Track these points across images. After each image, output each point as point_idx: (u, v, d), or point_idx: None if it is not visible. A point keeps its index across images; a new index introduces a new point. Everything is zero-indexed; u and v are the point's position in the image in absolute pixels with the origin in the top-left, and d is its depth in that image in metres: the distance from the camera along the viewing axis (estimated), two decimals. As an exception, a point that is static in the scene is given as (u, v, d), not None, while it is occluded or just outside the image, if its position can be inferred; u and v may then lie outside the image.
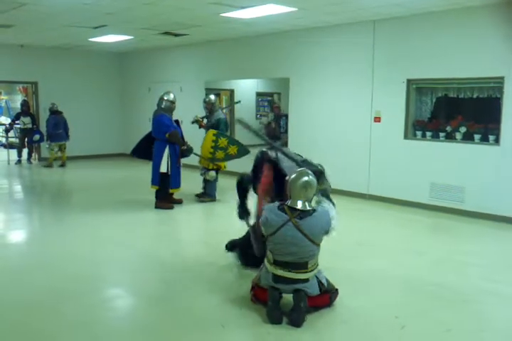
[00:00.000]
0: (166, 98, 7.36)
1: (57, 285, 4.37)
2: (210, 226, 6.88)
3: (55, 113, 11.79)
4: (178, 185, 7.45)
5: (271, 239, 3.71)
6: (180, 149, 7.31)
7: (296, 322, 3.51)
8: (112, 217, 6.95)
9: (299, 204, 3.67)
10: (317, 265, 3.79)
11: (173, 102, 7.41)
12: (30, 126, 12.08)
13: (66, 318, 3.72)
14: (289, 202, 3.71)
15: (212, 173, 7.71)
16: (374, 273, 4.71)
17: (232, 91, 13.59)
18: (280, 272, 3.68)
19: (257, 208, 4.36)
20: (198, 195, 8.03)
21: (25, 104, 12.37)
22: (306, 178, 3.72)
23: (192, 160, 7.99)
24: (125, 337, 3.44)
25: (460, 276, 4.66)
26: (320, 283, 3.75)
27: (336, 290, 3.92)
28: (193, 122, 8.38)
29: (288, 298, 3.71)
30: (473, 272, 4.79)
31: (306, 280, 3.67)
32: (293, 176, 3.77)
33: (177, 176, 7.38)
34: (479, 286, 4.40)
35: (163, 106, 7.33)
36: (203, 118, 8.28)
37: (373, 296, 4.18)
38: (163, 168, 7.20)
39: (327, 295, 3.81)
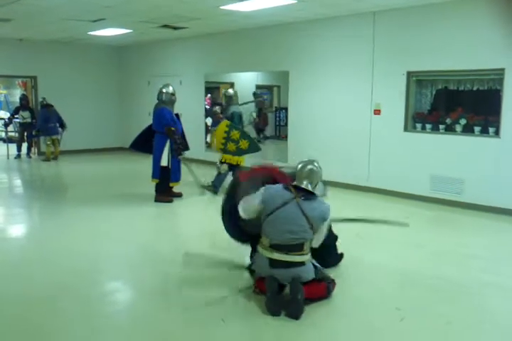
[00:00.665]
0: (165, 90, 7.34)
1: (56, 279, 4.37)
2: (209, 220, 6.83)
3: (45, 106, 11.75)
4: (178, 179, 7.43)
5: (269, 218, 3.76)
6: (174, 145, 7.19)
7: (295, 314, 3.52)
8: (111, 210, 6.94)
9: (304, 184, 3.81)
10: (309, 250, 3.85)
11: (173, 94, 7.38)
12: (29, 120, 12.05)
13: (65, 312, 3.73)
14: (295, 182, 3.85)
15: (225, 166, 7.72)
16: (374, 265, 4.71)
17: (231, 85, 13.55)
18: (276, 255, 3.74)
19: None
20: (203, 186, 7.96)
21: (24, 98, 12.35)
22: (311, 166, 3.89)
23: (194, 154, 7.96)
24: (124, 332, 3.44)
25: (460, 268, 4.66)
26: (315, 267, 3.83)
27: (333, 280, 3.94)
28: (214, 114, 8.42)
29: (286, 289, 3.71)
30: (474, 264, 4.79)
31: (302, 264, 3.75)
32: (302, 163, 3.93)
33: (177, 170, 7.37)
34: (479, 278, 4.40)
35: (163, 99, 7.30)
36: (220, 109, 8.29)
37: (373, 288, 4.19)
38: (164, 161, 7.19)
39: (323, 285, 3.83)
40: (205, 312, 3.67)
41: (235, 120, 7.87)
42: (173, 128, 7.10)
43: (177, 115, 7.53)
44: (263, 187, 3.92)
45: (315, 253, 3.96)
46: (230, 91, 8.29)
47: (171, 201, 7.36)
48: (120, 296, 4.19)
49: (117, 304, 4.01)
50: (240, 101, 8.62)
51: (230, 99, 8.17)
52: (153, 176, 7.35)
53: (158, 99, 7.36)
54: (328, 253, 4.42)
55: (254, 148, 7.66)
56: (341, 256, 4.62)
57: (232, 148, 7.56)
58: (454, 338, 3.33)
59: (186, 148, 7.57)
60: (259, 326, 3.51)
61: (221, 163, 7.74)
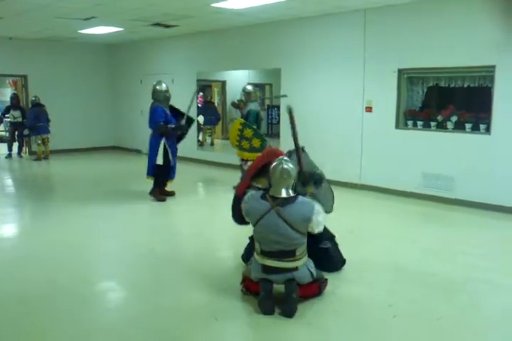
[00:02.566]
0: (158, 88, 7.32)
1: (50, 277, 4.36)
2: (202, 219, 6.85)
3: (36, 105, 11.68)
4: (173, 176, 7.47)
5: (256, 229, 3.73)
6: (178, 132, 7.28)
7: (289, 312, 3.52)
8: (104, 209, 6.93)
9: (282, 193, 3.68)
10: (306, 253, 3.79)
11: (166, 91, 7.35)
12: (20, 119, 11.98)
13: (57, 311, 3.71)
14: (270, 191, 3.74)
15: (250, 163, 7.73)
16: (366, 261, 4.73)
17: (223, 83, 13.54)
18: (269, 262, 3.69)
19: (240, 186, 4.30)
20: (235, 187, 7.93)
21: (15, 97, 12.28)
22: (283, 166, 3.74)
23: (185, 152, 7.96)
24: (117, 330, 3.43)
25: (452, 265, 4.68)
26: (310, 271, 3.76)
27: (326, 279, 3.94)
28: (232, 105, 8.44)
29: (279, 288, 3.71)
30: (465, 260, 4.81)
31: (296, 269, 3.68)
32: (273, 164, 3.80)
33: (173, 167, 7.41)
34: (471, 275, 4.42)
35: (157, 97, 7.28)
36: (238, 101, 8.31)
37: (365, 285, 4.20)
38: (160, 160, 7.20)
39: (316, 285, 3.82)
40: (198, 311, 3.68)
41: (250, 118, 7.88)
42: (162, 124, 7.10)
43: (175, 109, 7.49)
44: (246, 196, 3.86)
45: (317, 258, 3.93)
46: (249, 87, 8.25)
47: (163, 200, 7.36)
48: (113, 295, 4.18)
49: (110, 302, 4.00)
50: (231, 99, 8.67)
51: (249, 96, 8.13)
52: (148, 173, 7.35)
53: (152, 97, 7.35)
54: (329, 258, 4.36)
55: (265, 147, 7.69)
56: (343, 262, 4.51)
57: (247, 146, 7.63)
58: (446, 334, 3.35)
59: (187, 128, 7.57)
60: (252, 325, 3.52)
61: (245, 161, 7.79)
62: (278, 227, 3.59)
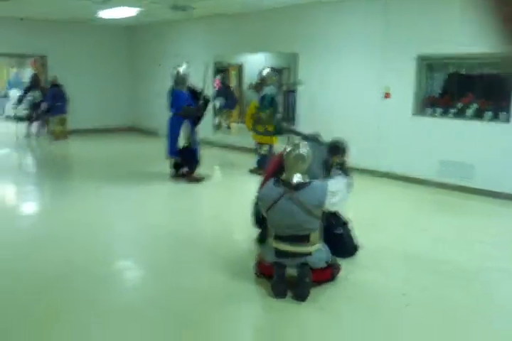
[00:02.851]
0: (176, 72, 7.34)
1: (67, 258, 4.44)
2: (222, 201, 6.88)
3: (54, 85, 11.75)
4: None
5: (269, 214, 3.74)
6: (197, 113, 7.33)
7: (301, 296, 3.56)
8: (124, 189, 7.01)
9: (294, 178, 3.71)
10: (321, 239, 3.81)
11: (185, 74, 7.35)
12: (39, 100, 12.07)
13: (74, 290, 3.79)
14: (284, 176, 3.77)
15: (266, 147, 7.78)
16: (380, 249, 4.74)
17: (240, 67, 13.47)
18: (282, 246, 3.71)
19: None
20: (251, 170, 8.05)
21: (34, 77, 12.35)
22: (298, 151, 3.77)
23: (202, 135, 7.99)
24: (134, 310, 3.50)
25: (467, 254, 4.67)
26: (324, 257, 3.78)
27: (339, 265, 3.96)
28: (249, 88, 8.46)
29: (293, 272, 3.75)
30: (480, 249, 4.80)
31: (309, 254, 3.70)
32: (288, 149, 3.83)
33: (197, 150, 7.48)
34: (486, 264, 4.42)
35: (177, 80, 7.30)
36: (256, 84, 8.31)
37: (379, 272, 4.22)
38: (184, 142, 7.29)
39: (329, 270, 3.85)
40: (213, 293, 3.73)
41: (265, 102, 7.85)
42: (187, 106, 7.19)
43: (195, 92, 7.48)
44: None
45: (330, 244, 3.94)
46: (265, 71, 8.20)
47: (202, 180, 7.42)
48: (129, 274, 4.26)
49: (127, 282, 4.08)
50: (248, 82, 8.64)
51: (264, 79, 8.08)
52: (170, 154, 7.38)
53: (172, 80, 7.37)
54: (342, 244, 4.37)
55: (278, 131, 7.69)
56: (356, 248, 4.51)
57: (261, 129, 7.71)
58: (460, 324, 3.36)
59: (204, 108, 7.58)
60: (265, 308, 3.57)
61: (260, 144, 7.81)
62: (292, 212, 3.61)
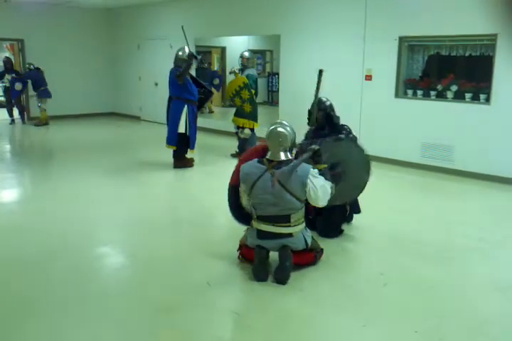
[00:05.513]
0: (179, 55, 7.20)
1: (47, 243, 4.42)
2: (203, 186, 6.85)
3: (36, 69, 11.58)
4: (193, 147, 7.45)
5: (252, 192, 3.73)
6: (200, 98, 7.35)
7: (281, 279, 3.59)
8: (105, 176, 6.94)
9: (278, 156, 3.74)
10: (302, 221, 3.82)
11: (187, 57, 7.14)
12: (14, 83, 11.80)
13: (54, 277, 3.78)
14: (268, 155, 3.78)
15: (248, 131, 7.81)
16: (360, 230, 4.78)
17: (223, 49, 13.36)
18: (263, 227, 3.73)
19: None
20: (233, 155, 8.05)
21: (8, 61, 11.98)
22: (277, 129, 3.80)
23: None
24: (112, 297, 3.49)
25: (445, 234, 4.73)
26: (305, 239, 3.80)
27: (321, 249, 3.98)
28: (230, 73, 8.64)
29: (274, 256, 3.77)
30: (459, 230, 4.85)
31: (290, 235, 3.72)
32: (269, 128, 3.86)
33: (195, 137, 7.40)
34: (464, 244, 4.47)
35: (178, 64, 7.15)
36: (239, 70, 8.30)
37: (358, 253, 4.27)
38: (182, 128, 7.19)
39: (312, 254, 3.88)
40: (194, 277, 3.74)
41: (250, 82, 7.87)
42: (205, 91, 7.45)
43: (193, 78, 7.44)
44: (242, 166, 3.86)
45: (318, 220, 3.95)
46: (246, 53, 8.35)
47: (191, 165, 7.41)
48: (108, 261, 4.23)
49: (105, 268, 4.06)
50: (231, 65, 8.67)
51: (247, 61, 8.23)
52: (169, 143, 7.30)
53: (175, 64, 7.22)
54: (329, 226, 4.51)
55: (253, 116, 7.76)
56: (341, 232, 4.62)
57: (238, 103, 7.76)
58: (437, 302, 3.41)
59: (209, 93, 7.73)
60: (246, 291, 3.58)
61: (241, 128, 7.78)
62: (273, 190, 3.61)
